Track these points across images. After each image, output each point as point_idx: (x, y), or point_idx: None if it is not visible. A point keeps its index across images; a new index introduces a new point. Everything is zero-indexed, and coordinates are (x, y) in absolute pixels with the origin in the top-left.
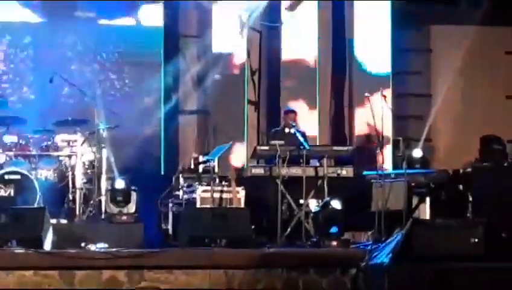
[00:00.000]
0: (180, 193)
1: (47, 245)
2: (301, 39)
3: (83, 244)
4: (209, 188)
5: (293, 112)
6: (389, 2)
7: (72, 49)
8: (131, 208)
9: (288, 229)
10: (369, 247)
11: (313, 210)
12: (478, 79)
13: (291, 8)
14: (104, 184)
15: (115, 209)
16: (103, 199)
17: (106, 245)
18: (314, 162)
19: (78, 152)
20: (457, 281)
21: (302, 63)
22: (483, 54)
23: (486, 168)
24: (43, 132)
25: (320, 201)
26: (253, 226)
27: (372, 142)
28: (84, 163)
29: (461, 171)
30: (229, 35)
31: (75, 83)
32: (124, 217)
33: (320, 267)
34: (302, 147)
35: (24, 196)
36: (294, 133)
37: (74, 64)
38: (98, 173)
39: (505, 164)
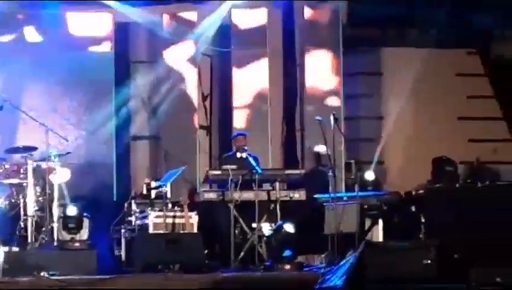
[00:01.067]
0: (133, 218)
1: None
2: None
3: (35, 272)
4: (161, 213)
5: (242, 135)
6: (340, 25)
7: (23, 75)
8: (84, 234)
9: (242, 254)
10: (322, 270)
11: (266, 234)
12: (429, 101)
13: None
14: (56, 211)
15: (67, 236)
16: (55, 226)
17: (59, 272)
18: (266, 186)
19: (29, 180)
20: None
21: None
22: (434, 76)
23: (438, 189)
24: None
25: (273, 225)
26: (206, 251)
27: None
28: (35, 190)
29: (413, 192)
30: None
31: (25, 110)
32: (77, 244)
33: None
34: (254, 171)
35: None
36: (247, 158)
37: (25, 91)
38: (49, 200)
39: (457, 185)
